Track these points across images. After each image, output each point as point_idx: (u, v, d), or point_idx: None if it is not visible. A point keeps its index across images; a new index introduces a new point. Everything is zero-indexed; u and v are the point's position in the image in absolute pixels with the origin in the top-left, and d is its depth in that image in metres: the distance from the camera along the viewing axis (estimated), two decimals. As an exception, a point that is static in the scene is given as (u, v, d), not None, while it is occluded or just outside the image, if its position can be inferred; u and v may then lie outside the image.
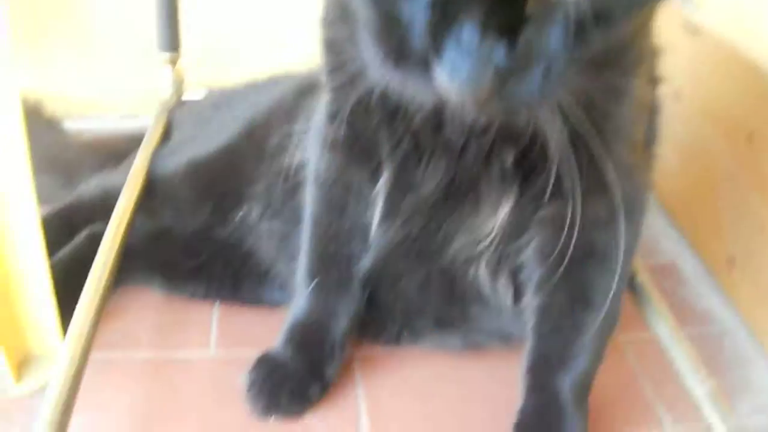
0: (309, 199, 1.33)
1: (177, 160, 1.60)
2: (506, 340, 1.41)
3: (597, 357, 1.29)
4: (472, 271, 1.28)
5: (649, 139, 1.25)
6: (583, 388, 1.29)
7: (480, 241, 1.21)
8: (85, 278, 1.31)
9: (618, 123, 1.07)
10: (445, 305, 1.36)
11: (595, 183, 1.05)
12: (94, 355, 1.27)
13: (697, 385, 1.24)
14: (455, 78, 0.75)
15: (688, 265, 1.75)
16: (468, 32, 0.74)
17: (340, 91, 1.13)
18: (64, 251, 1.51)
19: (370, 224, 1.27)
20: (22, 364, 1.34)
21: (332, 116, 1.17)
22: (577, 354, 1.26)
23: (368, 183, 1.22)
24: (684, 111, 1.71)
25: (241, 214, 1.54)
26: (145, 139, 1.67)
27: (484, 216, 1.17)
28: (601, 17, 0.78)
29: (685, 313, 1.59)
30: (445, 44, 0.75)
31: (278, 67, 1.69)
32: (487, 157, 1.07)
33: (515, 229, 1.19)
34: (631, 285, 1.42)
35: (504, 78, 0.76)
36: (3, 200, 1.22)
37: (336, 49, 1.09)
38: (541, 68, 0.78)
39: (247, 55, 2.05)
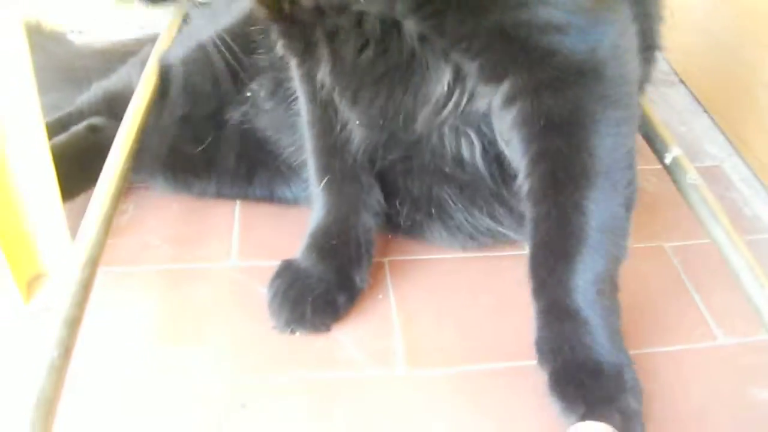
0: (300, 101, 1.29)
1: (188, 45, 1.52)
2: (496, 236, 1.34)
3: (612, 246, 1.10)
4: (435, 139, 1.19)
5: None
6: (600, 288, 1.10)
7: (439, 111, 1.13)
8: (83, 169, 1.28)
9: None
10: (428, 191, 1.29)
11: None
12: (109, 269, 1.22)
13: (758, 291, 1.14)
14: None
15: (735, 169, 1.66)
16: None
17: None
18: (60, 139, 1.43)
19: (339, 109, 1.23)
20: (31, 284, 1.28)
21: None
22: (582, 243, 1.08)
23: (317, 68, 1.18)
24: (729, 7, 1.59)
25: (252, 90, 1.47)
26: (159, 38, 1.59)
27: (432, 85, 1.10)
28: None
29: (734, 220, 1.50)
30: None
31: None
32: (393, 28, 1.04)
33: (469, 93, 1.10)
34: (681, 185, 1.32)
35: None
36: (9, 116, 1.14)
37: None
38: None
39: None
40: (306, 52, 1.17)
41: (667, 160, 1.35)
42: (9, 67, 1.10)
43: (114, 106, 1.45)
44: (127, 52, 1.74)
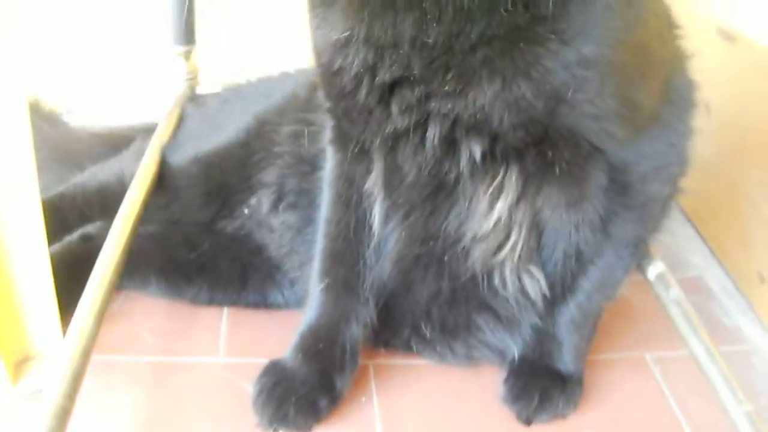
0: (323, 198, 1.31)
1: (184, 153, 1.56)
2: (503, 356, 1.36)
3: (603, 296, 1.30)
4: (496, 278, 1.24)
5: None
6: (582, 322, 1.30)
7: (498, 246, 1.20)
8: (75, 280, 1.26)
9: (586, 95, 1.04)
10: (452, 315, 1.31)
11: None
12: (97, 358, 1.22)
13: (735, 407, 1.16)
14: None
15: (716, 280, 1.68)
16: None
17: (331, 92, 1.18)
18: (54, 248, 1.44)
19: (373, 221, 1.26)
20: (19, 365, 1.28)
21: (330, 113, 1.23)
22: (578, 293, 1.27)
23: (366, 176, 1.24)
24: (715, 124, 1.64)
25: (250, 206, 1.50)
26: (156, 134, 1.62)
27: (481, 211, 1.17)
28: None
29: (713, 330, 1.52)
30: None
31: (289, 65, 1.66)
32: (451, 146, 1.10)
33: (532, 227, 1.19)
34: (664, 300, 1.36)
35: None
36: (7, 198, 1.16)
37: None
38: None
39: (260, 54, 2.00)
40: (356, 154, 1.21)
41: (651, 275, 1.38)
42: (10, 147, 1.12)
43: (106, 200, 1.49)
44: (121, 140, 1.78)
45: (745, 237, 1.62)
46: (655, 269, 1.38)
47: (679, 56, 1.23)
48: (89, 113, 1.95)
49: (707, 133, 1.36)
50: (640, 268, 1.41)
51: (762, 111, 1.56)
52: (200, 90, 1.82)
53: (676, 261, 1.71)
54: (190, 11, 1.73)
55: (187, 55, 1.78)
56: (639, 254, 1.32)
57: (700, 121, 1.27)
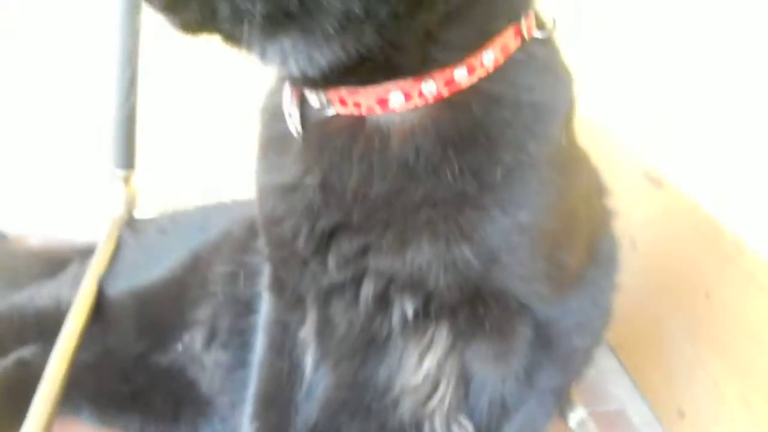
0: (257, 341, 1.32)
1: (120, 285, 1.57)
2: None
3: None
4: (425, 428, 1.25)
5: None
6: None
7: (427, 397, 1.21)
8: (14, 407, 1.28)
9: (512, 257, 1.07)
10: None
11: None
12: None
13: None
14: None
15: (637, 413, 1.72)
16: None
17: (270, 238, 1.20)
18: None
19: (305, 368, 1.27)
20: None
21: (268, 259, 1.25)
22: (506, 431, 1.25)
23: (301, 324, 1.25)
24: (640, 261, 1.70)
25: (183, 342, 1.51)
26: (93, 260, 1.63)
27: (411, 365, 1.18)
28: None
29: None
30: None
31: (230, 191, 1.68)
32: (385, 303, 1.11)
33: (461, 380, 1.19)
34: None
35: None
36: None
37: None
38: None
39: (200, 179, 2.04)
40: (292, 302, 1.23)
41: (572, 422, 1.41)
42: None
43: (43, 325, 1.50)
44: (59, 259, 1.78)
45: (666, 372, 1.66)
46: (576, 415, 1.42)
47: (605, 216, 1.28)
48: (26, 231, 1.96)
49: (633, 269, 1.42)
50: (562, 414, 1.44)
51: (683, 253, 1.63)
52: (138, 213, 1.83)
53: (600, 393, 1.74)
54: (131, 136, 1.75)
55: (126, 180, 1.79)
56: (561, 400, 1.35)
57: (626, 257, 1.31)
